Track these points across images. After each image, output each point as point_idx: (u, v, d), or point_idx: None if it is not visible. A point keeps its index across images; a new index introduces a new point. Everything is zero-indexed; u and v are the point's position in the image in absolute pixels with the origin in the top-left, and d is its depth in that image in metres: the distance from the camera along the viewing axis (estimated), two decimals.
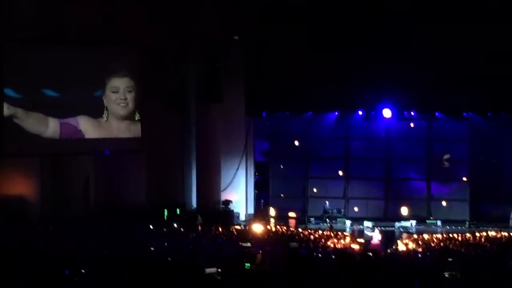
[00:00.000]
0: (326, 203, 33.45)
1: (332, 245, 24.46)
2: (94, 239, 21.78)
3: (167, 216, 29.78)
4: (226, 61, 31.90)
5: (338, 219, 32.52)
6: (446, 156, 33.52)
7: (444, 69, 30.69)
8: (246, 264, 16.28)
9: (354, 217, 33.01)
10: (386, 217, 33.23)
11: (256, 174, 34.34)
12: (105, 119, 29.29)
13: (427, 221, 32.48)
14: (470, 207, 33.10)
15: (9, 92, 27.27)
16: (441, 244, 24.71)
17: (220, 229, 26.78)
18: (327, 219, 32.46)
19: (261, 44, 32.03)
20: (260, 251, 18.65)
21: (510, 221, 30.92)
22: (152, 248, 20.16)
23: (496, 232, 28.08)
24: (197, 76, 31.86)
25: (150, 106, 30.43)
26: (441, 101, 31.73)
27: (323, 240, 25.35)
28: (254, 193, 34.10)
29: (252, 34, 32.10)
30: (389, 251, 24.33)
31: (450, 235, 26.93)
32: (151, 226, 26.67)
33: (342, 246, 24.68)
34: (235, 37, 32.12)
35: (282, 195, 34.53)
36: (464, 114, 32.64)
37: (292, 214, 33.33)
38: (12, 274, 13.61)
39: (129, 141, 30.00)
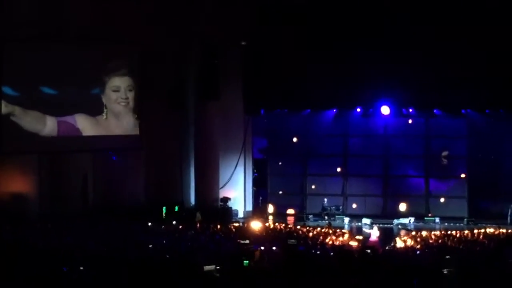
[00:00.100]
0: (324, 200, 33.46)
1: (330, 242, 24.43)
2: (92, 237, 21.78)
3: (165, 214, 29.78)
4: (224, 59, 31.89)
5: (337, 216, 32.57)
6: (445, 153, 33.54)
7: (443, 66, 30.71)
8: (244, 261, 16.28)
9: (352, 214, 33.03)
10: (385, 214, 33.26)
11: (255, 171, 34.33)
12: (105, 117, 29.25)
13: (425, 218, 32.51)
14: (469, 204, 33.14)
15: (7, 90, 27.20)
16: (439, 241, 24.71)
17: (218, 227, 26.79)
18: (326, 216, 32.50)
19: (259, 42, 32.02)
20: (259, 248, 18.66)
21: (508, 217, 30.97)
22: (151, 246, 20.15)
23: (495, 229, 28.10)
24: (196, 74, 31.85)
25: (148, 104, 30.40)
26: (440, 98, 31.75)
27: (321, 237, 25.33)
28: (253, 190, 34.09)
29: (250, 32, 32.10)
30: (387, 248, 24.32)
31: (449, 232, 26.94)
32: (149, 224, 26.68)
33: (340, 243, 24.65)
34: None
35: (280, 192, 34.54)
36: (463, 111, 32.67)
37: (290, 211, 33.35)
38: (10, 272, 13.60)
39: (128, 139, 29.98)
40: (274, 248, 20.19)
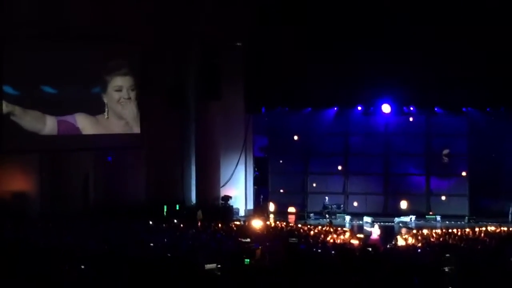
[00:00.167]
0: (325, 199, 33.47)
1: (331, 241, 24.46)
2: (93, 236, 21.77)
3: (166, 212, 29.81)
4: (224, 58, 31.90)
5: (338, 215, 32.58)
6: (446, 151, 33.54)
7: (443, 64, 30.72)
8: (245, 259, 16.27)
9: (353, 212, 33.05)
10: (386, 213, 33.27)
11: (256, 170, 34.36)
12: (106, 116, 29.23)
13: (426, 216, 32.52)
14: (470, 202, 33.14)
15: (7, 89, 27.23)
16: (441, 239, 24.72)
17: (219, 225, 26.80)
18: (327, 215, 32.49)
19: (259, 42, 32.01)
20: (260, 247, 18.64)
21: (510, 215, 30.97)
22: (152, 245, 20.15)
23: (496, 227, 28.12)
24: (196, 73, 31.85)
25: (150, 104, 30.42)
26: (440, 96, 31.78)
27: (322, 236, 25.36)
28: (254, 188, 34.13)
29: (250, 32, 32.09)
30: (388, 246, 24.33)
31: (450, 230, 26.94)
32: (150, 223, 26.68)
33: (341, 241, 24.68)
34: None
35: (281, 191, 34.55)
36: (463, 109, 32.67)
37: (291, 209, 33.35)
38: (11, 270, 13.60)
39: (129, 138, 30.00)
40: (275, 246, 20.19)
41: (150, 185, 31.18)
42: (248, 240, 20.92)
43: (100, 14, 28.85)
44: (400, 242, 25.19)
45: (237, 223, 29.26)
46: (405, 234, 26.96)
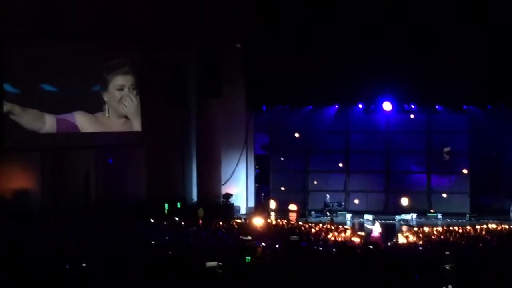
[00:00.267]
0: (326, 197, 33.49)
1: (332, 238, 24.47)
2: (94, 233, 21.77)
3: (167, 210, 29.79)
4: (225, 56, 31.89)
5: (339, 212, 32.59)
6: (447, 149, 33.55)
7: (444, 62, 30.71)
8: (246, 257, 16.27)
9: (354, 210, 33.08)
10: (387, 210, 33.31)
11: (257, 167, 34.37)
12: (107, 115, 29.20)
13: (427, 214, 32.53)
14: (471, 199, 33.17)
15: (7, 87, 27.22)
16: (442, 237, 24.71)
17: (220, 223, 26.79)
18: (328, 212, 32.52)
19: (260, 41, 32.00)
20: (261, 244, 18.64)
21: (511, 213, 30.94)
22: (153, 242, 20.15)
23: (497, 224, 28.11)
24: (197, 71, 31.84)
25: (151, 101, 30.39)
26: (441, 94, 31.77)
27: (323, 233, 25.35)
28: (255, 186, 34.14)
29: (251, 29, 32.08)
30: (389, 244, 24.34)
31: (451, 228, 26.93)
32: (151, 220, 26.69)
33: (342, 239, 24.69)
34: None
35: (282, 189, 34.57)
36: (464, 106, 32.67)
37: (292, 207, 33.35)
38: (12, 268, 13.61)
39: (130, 135, 29.97)
40: (276, 244, 20.20)
41: (151, 183, 31.17)
42: (249, 238, 20.89)
43: (100, 12, 28.85)
44: (401, 239, 25.18)
45: (238, 221, 29.26)
46: (406, 232, 26.95)
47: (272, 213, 32.33)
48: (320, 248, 20.42)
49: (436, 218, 31.97)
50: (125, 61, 29.46)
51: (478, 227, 26.95)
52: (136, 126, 29.97)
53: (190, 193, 32.16)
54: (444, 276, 13.78)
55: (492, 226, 27.74)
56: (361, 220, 31.38)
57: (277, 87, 32.33)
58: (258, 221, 27.61)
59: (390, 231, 28.54)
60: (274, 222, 28.98)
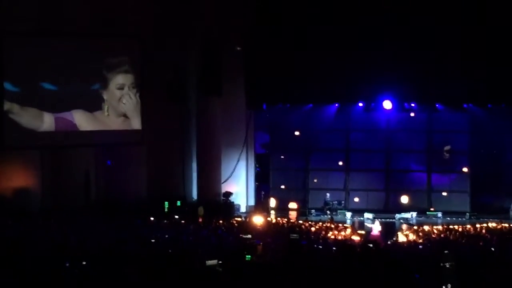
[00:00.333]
0: (326, 195, 33.49)
1: (332, 237, 24.48)
2: (94, 232, 21.78)
3: (167, 209, 29.80)
4: (225, 55, 31.89)
5: (339, 211, 32.60)
6: (447, 148, 33.54)
7: (444, 61, 30.71)
8: (246, 255, 16.29)
9: (354, 208, 33.07)
10: (387, 209, 33.30)
11: (257, 166, 34.37)
12: (107, 114, 29.18)
13: (427, 212, 32.52)
14: (471, 198, 33.16)
15: (7, 86, 27.21)
16: (442, 235, 24.72)
17: (220, 221, 26.80)
18: (328, 211, 32.52)
19: (260, 40, 31.99)
20: (261, 243, 18.65)
21: (511, 212, 30.95)
22: (153, 240, 20.16)
23: (497, 223, 28.13)
24: (197, 70, 31.85)
25: (151, 100, 30.40)
26: (442, 93, 31.75)
27: (323, 232, 25.37)
28: (255, 185, 34.14)
29: (251, 28, 32.08)
30: (389, 242, 24.34)
31: (451, 226, 26.95)
32: (151, 218, 26.70)
33: (342, 237, 24.70)
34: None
35: (282, 187, 34.56)
36: (465, 105, 32.66)
37: (292, 205, 33.33)
38: (12, 267, 13.62)
39: (130, 134, 29.97)
40: (276, 242, 20.21)
41: (151, 181, 31.18)
42: (249, 236, 20.90)
43: (100, 11, 28.85)
44: (401, 238, 25.20)
45: (238, 219, 29.28)
46: (406, 231, 26.96)
47: (272, 212, 32.29)
48: (320, 247, 20.45)
49: (436, 216, 31.95)
50: (125, 60, 29.45)
51: (478, 225, 26.99)
52: (136, 124, 29.95)
53: (190, 192, 32.17)
54: (444, 274, 13.79)
55: (492, 224, 27.76)
56: (361, 218, 31.38)
57: (277, 86, 32.31)
58: (258, 220, 27.61)
59: (390, 229, 28.55)
60: (274, 221, 29.00)
